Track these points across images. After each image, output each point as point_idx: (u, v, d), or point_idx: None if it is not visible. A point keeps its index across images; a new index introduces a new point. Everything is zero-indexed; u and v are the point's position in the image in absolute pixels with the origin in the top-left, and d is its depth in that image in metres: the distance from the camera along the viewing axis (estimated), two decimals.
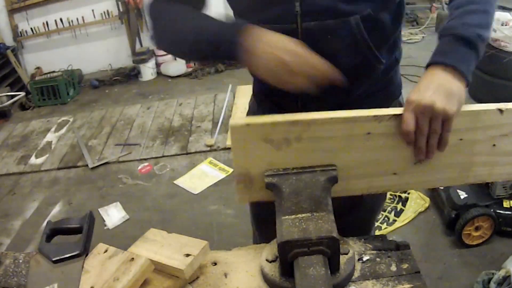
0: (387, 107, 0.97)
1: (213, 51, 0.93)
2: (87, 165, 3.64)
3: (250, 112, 1.27)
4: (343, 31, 0.95)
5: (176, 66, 5.50)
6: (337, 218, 0.84)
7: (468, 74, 0.84)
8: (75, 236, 1.01)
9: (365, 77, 1.06)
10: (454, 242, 2.31)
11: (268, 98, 1.16)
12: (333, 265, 0.77)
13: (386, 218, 2.56)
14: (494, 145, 0.91)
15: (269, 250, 0.87)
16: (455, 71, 0.83)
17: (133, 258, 0.91)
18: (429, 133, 0.83)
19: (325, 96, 0.90)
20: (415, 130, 0.83)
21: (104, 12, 5.62)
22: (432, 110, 0.80)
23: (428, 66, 0.88)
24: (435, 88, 0.82)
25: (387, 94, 1.17)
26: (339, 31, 0.95)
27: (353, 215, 1.19)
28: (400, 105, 1.19)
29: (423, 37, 5.44)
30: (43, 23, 5.63)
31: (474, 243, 2.27)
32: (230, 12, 1.06)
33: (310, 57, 0.84)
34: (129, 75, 5.63)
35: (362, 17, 0.94)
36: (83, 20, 5.64)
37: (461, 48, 0.85)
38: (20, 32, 5.68)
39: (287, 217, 0.77)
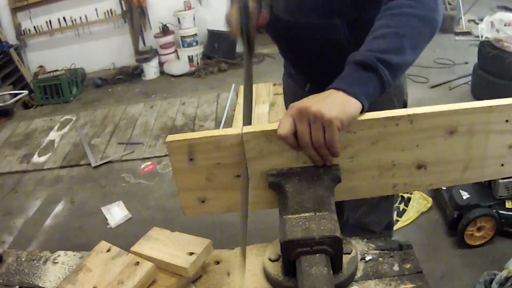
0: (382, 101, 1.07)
1: None
2: (89, 164, 3.64)
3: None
4: (330, 29, 1.14)
5: (179, 65, 5.50)
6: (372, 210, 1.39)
7: (360, 95, 0.81)
8: None
9: None
10: (456, 242, 2.30)
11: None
12: (336, 265, 0.77)
13: None
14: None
15: (272, 249, 0.87)
16: (346, 93, 0.81)
17: (138, 262, 0.91)
18: (314, 140, 0.80)
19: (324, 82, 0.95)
20: (297, 135, 0.81)
21: (107, 11, 5.63)
22: (307, 112, 0.78)
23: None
24: (318, 98, 0.81)
25: None
26: (326, 29, 1.15)
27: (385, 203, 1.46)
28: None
29: None
30: (46, 22, 5.65)
31: (477, 243, 2.27)
32: None
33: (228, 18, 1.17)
34: (132, 74, 5.64)
35: (349, 19, 1.11)
36: (86, 19, 5.65)
37: (358, 72, 0.84)
38: (23, 31, 5.69)
39: (290, 216, 0.76)
